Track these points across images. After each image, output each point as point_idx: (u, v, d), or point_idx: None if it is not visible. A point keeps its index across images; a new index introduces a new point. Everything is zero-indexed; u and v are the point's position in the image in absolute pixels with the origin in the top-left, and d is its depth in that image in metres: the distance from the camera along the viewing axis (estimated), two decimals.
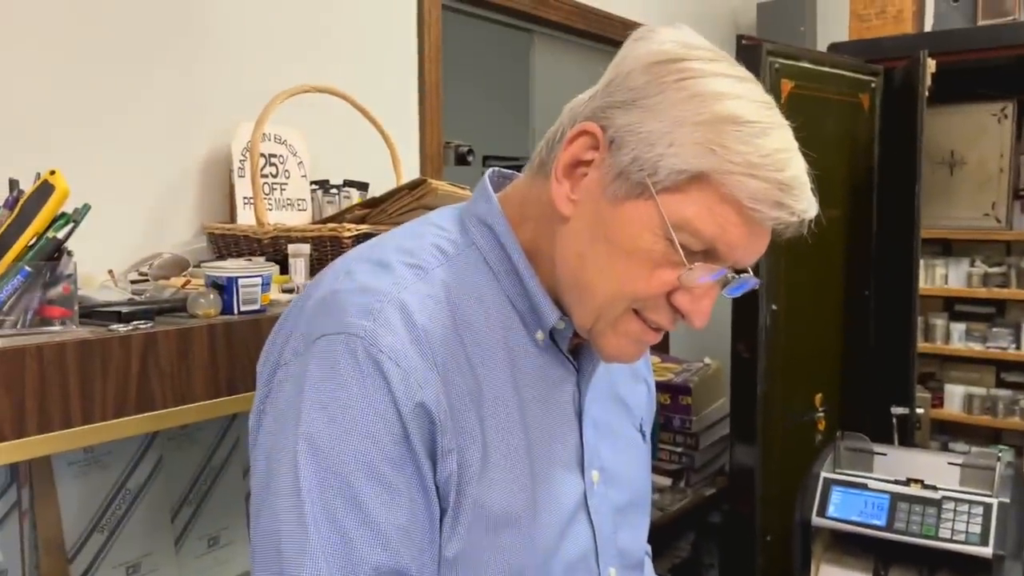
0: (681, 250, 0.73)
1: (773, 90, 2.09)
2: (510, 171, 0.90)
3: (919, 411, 2.51)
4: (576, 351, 0.86)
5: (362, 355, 0.71)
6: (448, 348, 0.75)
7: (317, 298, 0.78)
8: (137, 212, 1.48)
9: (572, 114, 0.80)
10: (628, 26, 0.82)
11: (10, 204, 1.03)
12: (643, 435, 0.97)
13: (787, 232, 0.76)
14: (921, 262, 3.33)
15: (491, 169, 0.88)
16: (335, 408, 0.71)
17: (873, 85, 2.57)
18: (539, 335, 0.82)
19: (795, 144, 0.75)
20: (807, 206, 0.74)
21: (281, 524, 0.70)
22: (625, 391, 0.96)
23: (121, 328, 1.04)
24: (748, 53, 2.06)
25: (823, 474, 1.56)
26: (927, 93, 2.40)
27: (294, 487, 0.70)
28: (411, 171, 1.95)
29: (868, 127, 2.58)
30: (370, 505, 0.70)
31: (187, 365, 1.09)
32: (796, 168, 0.73)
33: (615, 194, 0.74)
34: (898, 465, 1.60)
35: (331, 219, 1.53)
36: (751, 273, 0.79)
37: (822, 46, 2.95)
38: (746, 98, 0.73)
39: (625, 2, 2.65)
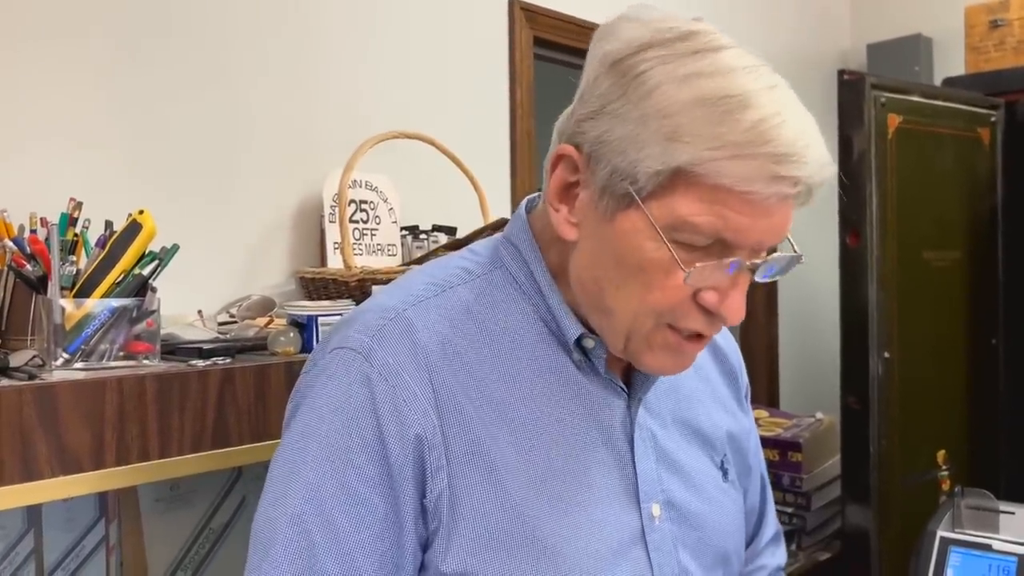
0: (682, 251, 0.68)
1: (879, 126, 1.98)
2: None
3: None
4: (628, 374, 0.82)
5: (355, 370, 0.73)
6: (454, 366, 0.75)
7: (345, 316, 0.82)
8: (232, 257, 1.53)
9: (558, 133, 0.77)
10: None
11: (101, 243, 1.07)
12: (724, 473, 0.89)
13: (806, 200, 0.68)
14: None
15: (532, 194, 0.87)
16: (318, 417, 0.73)
17: (993, 119, 2.42)
18: (575, 355, 0.79)
19: (788, 102, 0.67)
20: (814, 170, 0.66)
21: (261, 513, 0.74)
22: (703, 421, 0.89)
23: (200, 363, 1.05)
24: (850, 88, 1.97)
25: (940, 533, 1.41)
26: None
27: (274, 483, 0.75)
28: (502, 215, 1.95)
29: (989, 163, 2.42)
30: (336, 516, 0.71)
31: (264, 402, 1.09)
32: (791, 131, 0.65)
33: (606, 210, 0.71)
34: None
35: (416, 262, 1.54)
36: (791, 249, 0.73)
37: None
38: (718, 71, 0.67)
39: None
